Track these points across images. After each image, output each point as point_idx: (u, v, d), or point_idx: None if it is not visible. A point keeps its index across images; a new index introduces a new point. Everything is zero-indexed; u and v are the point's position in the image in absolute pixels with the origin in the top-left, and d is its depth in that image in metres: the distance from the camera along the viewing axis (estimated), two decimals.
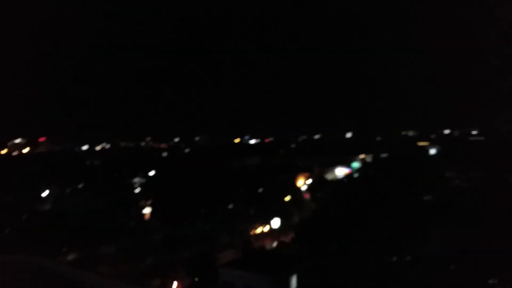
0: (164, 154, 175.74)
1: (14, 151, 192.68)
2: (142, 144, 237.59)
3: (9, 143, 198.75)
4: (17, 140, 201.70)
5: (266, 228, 63.78)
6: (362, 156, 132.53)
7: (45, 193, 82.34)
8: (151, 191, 79.38)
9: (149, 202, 72.95)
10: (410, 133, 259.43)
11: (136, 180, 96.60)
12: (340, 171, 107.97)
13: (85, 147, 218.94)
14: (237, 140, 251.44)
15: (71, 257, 50.15)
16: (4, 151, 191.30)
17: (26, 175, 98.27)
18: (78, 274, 5.18)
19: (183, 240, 51.82)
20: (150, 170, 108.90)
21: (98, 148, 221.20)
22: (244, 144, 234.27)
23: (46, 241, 46.41)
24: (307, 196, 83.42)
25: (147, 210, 71.00)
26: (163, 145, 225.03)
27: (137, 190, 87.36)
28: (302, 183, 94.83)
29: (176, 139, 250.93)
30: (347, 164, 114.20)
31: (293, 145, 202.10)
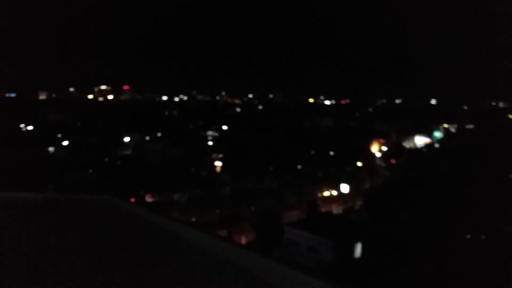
0: (238, 109, 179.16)
1: (99, 97, 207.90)
2: (217, 98, 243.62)
3: (96, 89, 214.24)
4: (103, 87, 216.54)
5: (334, 192, 63.68)
6: (445, 125, 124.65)
7: (126, 139, 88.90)
8: (223, 145, 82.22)
9: (220, 155, 75.76)
10: (501, 104, 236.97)
11: (210, 133, 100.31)
12: (420, 140, 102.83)
13: (164, 98, 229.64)
14: (311, 100, 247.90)
15: (146, 200, 54.38)
16: (90, 96, 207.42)
17: (109, 120, 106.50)
18: (154, 217, 5.75)
19: (250, 195, 53.64)
20: (223, 124, 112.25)
21: (176, 99, 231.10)
22: (318, 104, 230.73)
23: (125, 183, 50.63)
24: (381, 163, 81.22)
25: (218, 163, 73.92)
26: (237, 101, 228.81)
27: (210, 143, 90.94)
28: (377, 149, 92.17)
29: (250, 95, 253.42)
30: (428, 132, 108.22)
31: (370, 109, 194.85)
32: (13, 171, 52.98)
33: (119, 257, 4.51)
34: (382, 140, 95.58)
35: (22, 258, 4.42)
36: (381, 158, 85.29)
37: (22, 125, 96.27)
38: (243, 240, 42.89)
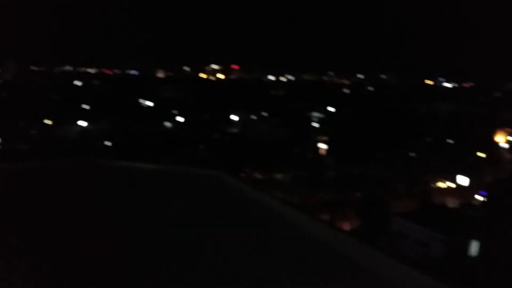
0: (346, 90, 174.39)
1: (210, 75, 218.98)
2: (325, 78, 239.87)
3: (207, 68, 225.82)
4: (214, 66, 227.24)
5: (450, 184, 59.03)
6: None
7: (234, 117, 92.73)
8: (329, 127, 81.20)
9: (325, 137, 75.02)
10: None
11: (315, 114, 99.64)
12: None
13: (271, 77, 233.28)
14: (429, 82, 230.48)
15: (251, 177, 56.41)
16: (203, 75, 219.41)
17: (219, 98, 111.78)
18: (260, 195, 5.98)
19: (356, 180, 52.39)
20: (330, 106, 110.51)
21: (283, 79, 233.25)
22: (437, 87, 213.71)
23: (232, 160, 53.09)
24: (507, 155, 72.89)
25: (323, 146, 73.35)
26: (345, 81, 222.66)
27: (316, 125, 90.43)
28: (503, 139, 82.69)
29: (360, 76, 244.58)
30: None
31: (497, 93, 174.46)
32: (133, 143, 58.92)
33: (225, 232, 4.74)
34: (509, 130, 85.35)
35: (137, 221, 4.91)
36: (508, 149, 76.43)
37: (142, 101, 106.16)
38: (346, 227, 42.24)
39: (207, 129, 75.94)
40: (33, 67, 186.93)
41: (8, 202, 5.33)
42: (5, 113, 67.05)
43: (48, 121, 76.28)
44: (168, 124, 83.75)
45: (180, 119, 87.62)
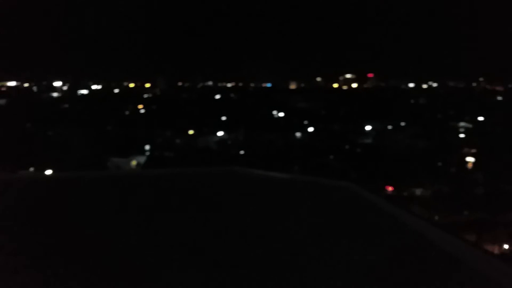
0: (499, 98, 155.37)
1: (344, 85, 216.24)
2: (474, 84, 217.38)
3: (341, 78, 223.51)
4: (348, 76, 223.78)
5: None
6: None
7: (367, 127, 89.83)
8: (477, 138, 73.27)
9: (473, 150, 67.83)
10: None
11: (462, 124, 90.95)
12: None
13: (411, 85, 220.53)
14: None
15: (386, 191, 53.80)
16: (335, 85, 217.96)
17: (352, 108, 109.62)
18: (394, 209, 5.59)
19: (509, 199, 46.16)
20: (479, 115, 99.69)
21: (424, 86, 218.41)
22: None
23: (364, 172, 51.39)
24: None
25: (470, 159, 66.45)
26: (498, 88, 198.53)
27: (462, 136, 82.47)
28: None
29: None
30: None
31: None
32: (265, 152, 61.16)
33: (355, 245, 4.55)
34: None
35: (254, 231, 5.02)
36: None
37: (274, 112, 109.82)
38: (496, 250, 37.46)
39: (338, 139, 75.03)
40: (180, 83, 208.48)
41: (159, 205, 5.87)
42: (154, 123, 75.79)
43: (191, 131, 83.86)
44: (298, 134, 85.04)
45: (310, 129, 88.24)
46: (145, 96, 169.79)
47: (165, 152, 65.49)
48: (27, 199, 6.12)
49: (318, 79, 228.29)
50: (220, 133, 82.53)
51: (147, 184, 7.21)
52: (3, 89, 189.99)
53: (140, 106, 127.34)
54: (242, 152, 67.28)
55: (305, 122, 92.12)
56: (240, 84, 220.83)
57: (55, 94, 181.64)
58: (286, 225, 5.13)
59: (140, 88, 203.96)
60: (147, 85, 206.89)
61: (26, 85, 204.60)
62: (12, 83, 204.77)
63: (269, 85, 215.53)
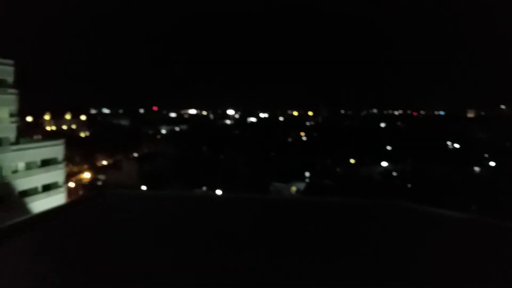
0: None
1: None
2: None
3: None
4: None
5: None
6: None
7: None
8: None
9: None
10: None
11: None
12: None
13: None
14: None
15: None
16: None
17: None
18: None
19: None
20: None
21: None
22: None
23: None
24: None
25: None
26: None
27: None
28: None
29: None
30: None
31: None
32: (436, 187, 56.21)
33: None
34: None
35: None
36: None
37: (448, 142, 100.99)
38: None
39: None
40: (342, 111, 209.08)
41: (313, 233, 5.82)
42: (315, 150, 76.96)
43: (352, 160, 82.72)
44: (477, 169, 76.22)
45: (492, 163, 78.39)
46: (308, 123, 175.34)
47: (325, 180, 65.70)
48: (199, 215, 6.73)
49: (502, 106, 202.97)
50: (384, 163, 79.44)
51: (304, 211, 7.23)
52: (186, 116, 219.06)
53: (302, 134, 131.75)
54: (409, 185, 63.26)
55: (486, 155, 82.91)
56: (409, 112, 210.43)
57: (228, 121, 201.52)
58: (459, 272, 4.49)
59: (303, 116, 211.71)
60: (310, 113, 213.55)
61: (204, 113, 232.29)
62: (192, 111, 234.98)
63: (442, 113, 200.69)
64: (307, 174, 72.67)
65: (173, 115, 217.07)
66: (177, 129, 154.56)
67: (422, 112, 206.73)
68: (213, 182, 67.09)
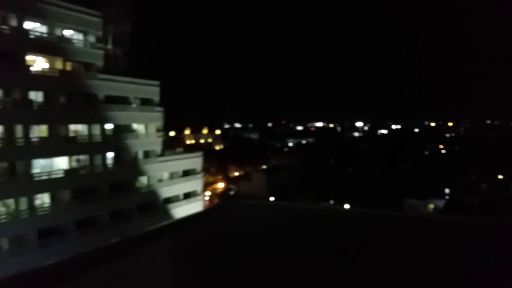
0: None
1: None
2: None
3: None
4: None
5: None
6: None
7: None
8: None
9: None
10: None
11: None
12: None
13: None
14: None
15: None
16: None
17: None
18: None
19: None
20: None
21: None
22: None
23: None
24: None
25: None
26: None
27: None
28: None
29: None
30: None
31: None
32: None
33: None
34: None
35: None
36: None
37: None
38: None
39: None
40: (488, 121, 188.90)
41: (449, 257, 5.36)
42: (456, 165, 70.58)
43: (500, 176, 74.20)
44: None
45: None
46: (447, 135, 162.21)
47: (468, 197, 59.99)
48: (326, 228, 6.68)
49: None
50: None
51: (443, 231, 6.64)
52: (312, 128, 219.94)
53: (441, 146, 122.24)
54: None
55: None
56: None
57: (356, 134, 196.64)
58: None
59: (441, 127, 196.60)
60: (450, 124, 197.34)
61: (331, 125, 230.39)
62: (319, 124, 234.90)
63: None
64: (446, 190, 67.35)
65: (299, 128, 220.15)
66: (303, 142, 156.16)
67: None
68: (341, 195, 65.99)
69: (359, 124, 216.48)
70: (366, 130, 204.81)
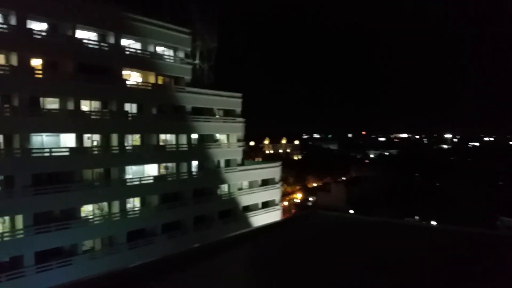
0: None
1: None
2: None
3: None
4: None
5: None
6: None
7: None
8: None
9: None
10: None
11: None
12: None
13: None
14: None
15: None
16: None
17: None
18: None
19: None
20: None
21: None
22: None
23: None
24: None
25: None
26: None
27: None
28: None
29: None
30: None
31: None
32: None
33: None
34: None
35: None
36: None
37: None
38: None
39: None
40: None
41: None
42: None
43: None
44: None
45: None
46: None
47: None
48: (408, 245, 6.65)
49: None
50: None
51: None
52: (396, 140, 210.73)
53: None
54: None
55: None
56: None
57: (444, 146, 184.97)
58: None
59: None
60: None
61: (416, 136, 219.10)
62: (403, 135, 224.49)
63: None
64: None
65: (382, 139, 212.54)
66: (386, 153, 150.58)
67: None
68: (427, 211, 62.48)
69: (447, 135, 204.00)
70: (455, 142, 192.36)
